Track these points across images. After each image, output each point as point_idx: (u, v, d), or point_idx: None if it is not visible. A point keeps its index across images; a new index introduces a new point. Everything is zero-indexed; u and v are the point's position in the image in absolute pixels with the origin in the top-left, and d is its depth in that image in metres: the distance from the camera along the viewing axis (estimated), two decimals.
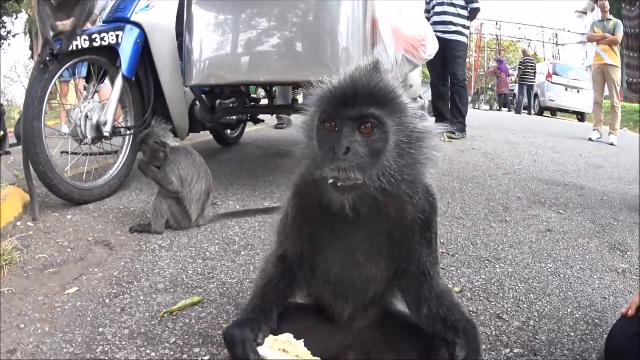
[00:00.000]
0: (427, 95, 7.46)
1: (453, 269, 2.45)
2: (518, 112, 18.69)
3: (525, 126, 10.92)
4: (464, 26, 6.93)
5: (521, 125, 11.26)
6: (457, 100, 6.98)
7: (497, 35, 34.34)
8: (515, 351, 1.77)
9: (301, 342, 1.24)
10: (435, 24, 6.73)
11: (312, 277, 1.37)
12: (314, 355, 1.23)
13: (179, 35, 3.63)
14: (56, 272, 2.34)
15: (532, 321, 1.98)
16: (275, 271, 1.39)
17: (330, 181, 1.12)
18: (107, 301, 2.05)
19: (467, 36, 7.21)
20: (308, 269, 1.38)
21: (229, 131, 5.27)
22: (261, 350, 1.19)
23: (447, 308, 1.30)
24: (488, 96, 28.41)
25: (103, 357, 1.66)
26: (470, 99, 19.51)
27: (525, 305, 2.11)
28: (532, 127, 10.95)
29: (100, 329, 1.83)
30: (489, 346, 1.80)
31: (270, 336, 1.23)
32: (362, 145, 1.13)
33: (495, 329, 1.90)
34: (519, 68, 19.18)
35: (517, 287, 2.28)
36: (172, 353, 1.69)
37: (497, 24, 33.04)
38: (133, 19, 3.47)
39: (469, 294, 2.18)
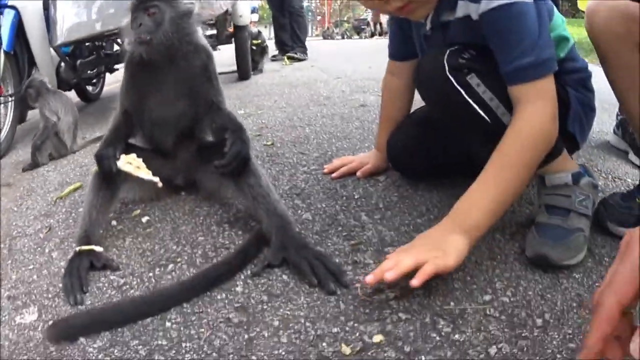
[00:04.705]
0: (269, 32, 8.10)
1: (269, 134, 3.15)
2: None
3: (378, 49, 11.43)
4: None
5: (376, 50, 11.87)
6: (296, 28, 7.77)
7: None
8: (312, 168, 2.50)
9: (140, 159, 1.95)
10: None
11: (142, 119, 2.09)
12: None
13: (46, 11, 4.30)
14: None
15: (329, 152, 2.74)
16: (120, 121, 2.10)
17: (133, 38, 1.89)
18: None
19: None
20: (140, 114, 2.08)
21: (90, 88, 5.93)
22: (118, 163, 1.90)
23: (227, 120, 2.05)
24: (343, 28, 30.23)
25: None
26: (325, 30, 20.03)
27: (325, 145, 2.86)
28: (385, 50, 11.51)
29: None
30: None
31: (123, 155, 1.94)
32: (150, 21, 1.89)
33: (297, 158, 2.66)
34: None
35: (320, 137, 2.99)
36: None
37: None
38: (10, 3, 4.13)
39: (279, 144, 2.91)
